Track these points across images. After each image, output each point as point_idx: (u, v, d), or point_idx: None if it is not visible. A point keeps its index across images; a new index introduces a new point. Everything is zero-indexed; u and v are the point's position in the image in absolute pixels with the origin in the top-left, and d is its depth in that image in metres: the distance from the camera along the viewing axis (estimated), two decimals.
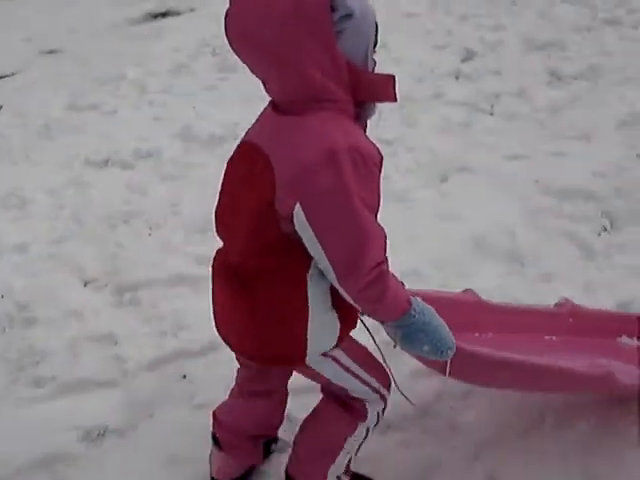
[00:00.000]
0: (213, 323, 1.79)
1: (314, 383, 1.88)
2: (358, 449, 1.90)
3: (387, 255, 1.50)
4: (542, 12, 5.14)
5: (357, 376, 1.75)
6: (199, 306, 2.77)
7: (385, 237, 1.50)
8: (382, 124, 3.89)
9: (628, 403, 2.26)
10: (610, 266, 2.93)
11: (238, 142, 1.62)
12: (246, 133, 1.62)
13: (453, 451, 2.16)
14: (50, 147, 4.10)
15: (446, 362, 1.61)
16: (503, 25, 5.05)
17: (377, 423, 1.87)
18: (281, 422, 2.10)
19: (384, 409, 1.85)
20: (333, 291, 1.54)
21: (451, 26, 5.17)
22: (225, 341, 1.76)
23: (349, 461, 1.91)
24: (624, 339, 2.34)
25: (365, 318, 1.69)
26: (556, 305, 2.36)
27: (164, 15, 6.33)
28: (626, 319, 2.41)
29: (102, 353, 2.62)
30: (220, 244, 1.70)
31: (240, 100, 4.44)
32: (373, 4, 1.45)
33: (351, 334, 1.71)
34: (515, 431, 2.26)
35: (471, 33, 4.98)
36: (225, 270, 1.63)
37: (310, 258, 1.49)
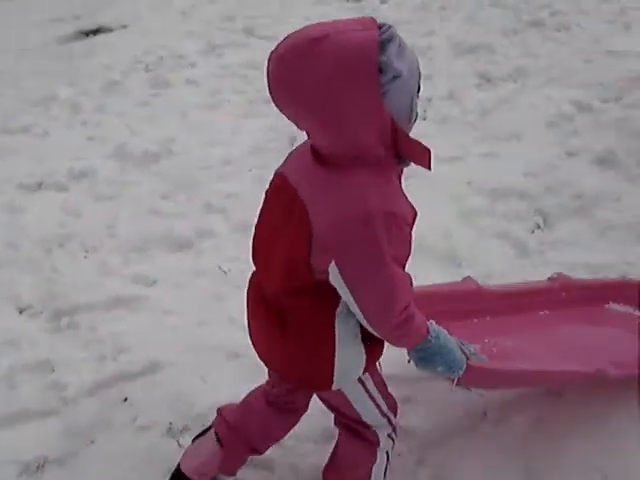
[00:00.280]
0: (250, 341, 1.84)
1: None
2: (385, 475, 1.98)
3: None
4: (470, 17, 5.23)
5: (374, 400, 1.83)
6: (138, 327, 2.78)
7: (411, 281, 1.56)
8: None
9: (566, 395, 2.32)
10: (544, 263, 2.99)
11: (280, 170, 1.62)
12: (285, 162, 1.64)
13: (397, 458, 2.16)
14: None
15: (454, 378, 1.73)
16: (433, 30, 5.12)
17: (393, 446, 1.96)
18: (276, 442, 2.11)
19: (395, 431, 1.94)
20: (361, 326, 1.60)
21: None
22: (260, 358, 1.82)
23: None
24: (612, 305, 2.50)
25: None
26: (549, 279, 2.51)
27: (95, 32, 6.24)
28: (613, 286, 2.57)
29: (40, 381, 2.56)
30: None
31: (174, 115, 4.43)
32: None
33: None
34: (458, 432, 2.30)
35: (406, 39, 5.02)
36: (260, 295, 1.70)
37: (339, 298, 1.55)
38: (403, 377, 2.44)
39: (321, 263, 1.47)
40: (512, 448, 2.22)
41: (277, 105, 1.44)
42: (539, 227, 3.21)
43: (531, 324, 2.39)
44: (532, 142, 3.74)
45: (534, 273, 2.92)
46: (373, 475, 1.96)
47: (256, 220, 1.71)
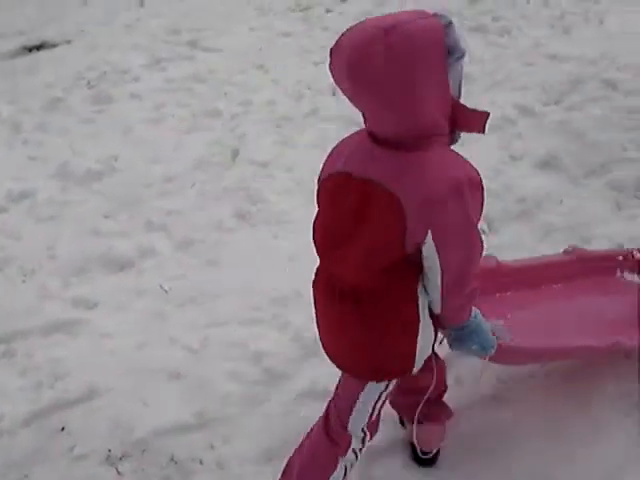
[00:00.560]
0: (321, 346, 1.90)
1: None
2: None
3: None
4: None
5: (373, 409, 1.88)
6: (76, 352, 2.71)
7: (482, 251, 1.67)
8: (258, 145, 3.91)
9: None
10: None
11: (330, 172, 1.68)
12: (332, 164, 1.69)
13: None
14: None
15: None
16: None
17: (353, 464, 1.97)
18: None
19: (360, 452, 1.96)
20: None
21: (327, 42, 5.16)
22: (332, 360, 1.87)
23: None
24: (625, 274, 2.61)
25: None
26: (564, 252, 2.59)
27: (39, 48, 6.14)
28: (625, 256, 2.63)
29: None
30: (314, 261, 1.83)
31: (117, 132, 4.36)
32: None
33: None
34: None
35: None
36: (333, 291, 1.73)
37: (419, 274, 1.64)
38: None
39: (418, 236, 1.55)
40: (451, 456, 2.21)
41: (348, 93, 1.52)
42: (484, 232, 3.18)
43: (550, 296, 2.49)
44: (476, 147, 3.69)
45: None
46: None
47: (316, 222, 1.77)
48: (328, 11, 5.82)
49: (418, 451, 2.17)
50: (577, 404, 2.36)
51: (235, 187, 3.57)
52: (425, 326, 1.71)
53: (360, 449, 1.95)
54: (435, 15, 1.48)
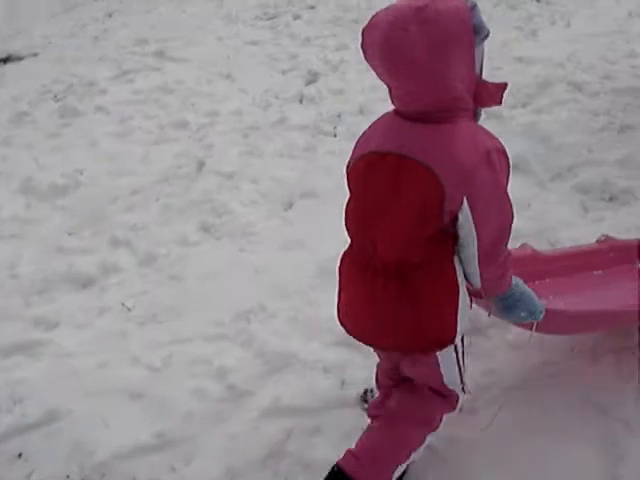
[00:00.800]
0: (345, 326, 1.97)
1: None
2: (415, 454, 1.99)
3: None
4: None
5: (459, 367, 1.94)
6: (36, 374, 2.65)
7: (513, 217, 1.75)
8: (224, 156, 3.87)
9: None
10: None
11: (361, 153, 1.76)
12: (362, 147, 1.78)
13: None
14: None
15: (533, 323, 1.91)
16: (346, 44, 5.10)
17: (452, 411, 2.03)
18: None
19: (458, 400, 2.02)
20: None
21: (296, 50, 5.18)
22: (364, 341, 1.93)
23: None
24: None
25: None
26: (597, 241, 2.67)
27: (5, 61, 6.08)
28: None
29: None
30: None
31: (84, 145, 4.31)
32: None
33: None
34: None
35: (315, 55, 5.00)
36: (373, 269, 1.77)
37: (454, 245, 1.72)
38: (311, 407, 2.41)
39: (455, 204, 1.62)
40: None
41: (381, 70, 1.60)
42: None
43: (587, 283, 2.54)
44: None
45: None
46: (414, 453, 1.97)
47: (349, 206, 1.83)
48: (296, 18, 5.80)
49: None
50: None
51: (200, 199, 3.53)
52: (462, 295, 1.78)
53: (457, 399, 2.01)
54: None
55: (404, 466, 1.98)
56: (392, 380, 2.11)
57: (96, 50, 5.85)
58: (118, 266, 3.17)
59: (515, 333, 2.52)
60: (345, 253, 1.91)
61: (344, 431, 2.36)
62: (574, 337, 2.53)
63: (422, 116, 1.62)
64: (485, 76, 4.49)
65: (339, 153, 3.82)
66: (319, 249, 3.12)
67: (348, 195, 1.84)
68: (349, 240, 1.88)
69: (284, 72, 4.86)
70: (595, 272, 2.60)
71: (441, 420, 2.01)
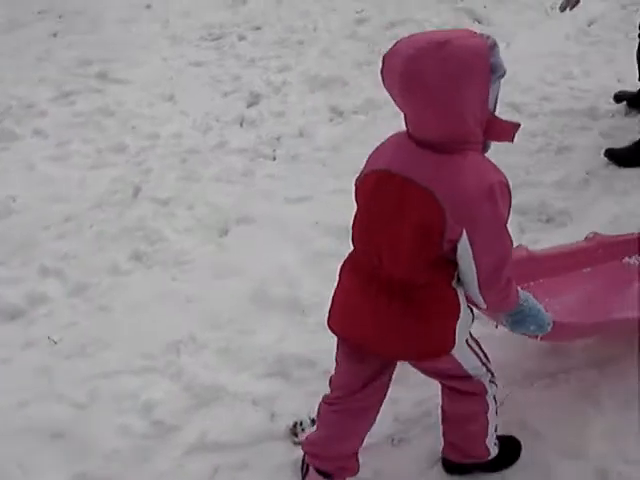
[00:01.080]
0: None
1: None
2: (496, 413, 2.14)
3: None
4: (326, 50, 5.20)
5: (476, 354, 2.03)
6: None
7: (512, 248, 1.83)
8: (161, 182, 3.79)
9: None
10: None
11: (373, 168, 1.83)
12: (373, 162, 1.86)
13: None
14: None
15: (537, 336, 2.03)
16: (289, 66, 5.06)
17: (496, 389, 2.14)
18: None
19: (494, 376, 2.12)
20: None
21: (239, 71, 5.13)
22: (359, 344, 1.98)
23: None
24: (631, 260, 2.79)
25: None
26: (586, 239, 2.78)
27: None
28: (634, 239, 2.83)
29: None
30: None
31: (20, 170, 4.19)
32: None
33: None
34: None
35: (258, 76, 4.96)
36: (378, 281, 1.85)
37: (455, 270, 1.81)
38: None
39: (455, 234, 1.70)
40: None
41: (398, 98, 1.68)
42: None
43: (579, 281, 2.66)
44: None
45: None
46: (490, 421, 2.12)
47: (356, 220, 1.92)
48: (241, 39, 5.74)
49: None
50: None
51: (134, 226, 3.44)
52: (463, 311, 1.88)
53: (492, 376, 2.11)
54: (482, 35, 1.68)
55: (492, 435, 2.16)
56: (360, 380, 2.09)
57: (38, 71, 5.71)
58: (47, 296, 3.08)
59: None
60: (347, 258, 1.99)
61: (273, 465, 2.33)
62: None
63: (433, 145, 1.70)
64: None
65: (278, 177, 3.80)
66: (253, 276, 3.07)
67: (356, 207, 1.93)
68: (352, 246, 1.96)
69: (226, 94, 4.80)
70: (585, 270, 2.72)
71: (487, 405, 2.11)
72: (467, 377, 2.06)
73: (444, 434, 2.22)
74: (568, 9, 3.62)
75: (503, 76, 1.71)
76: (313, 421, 2.47)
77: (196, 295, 3.00)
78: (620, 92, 4.15)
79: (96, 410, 2.53)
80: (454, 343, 1.90)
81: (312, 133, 4.14)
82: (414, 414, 2.46)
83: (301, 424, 2.47)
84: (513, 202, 3.24)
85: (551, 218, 3.41)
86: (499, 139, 1.77)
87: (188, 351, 2.74)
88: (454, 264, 1.80)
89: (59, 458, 2.35)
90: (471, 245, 1.71)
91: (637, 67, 3.92)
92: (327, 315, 2.06)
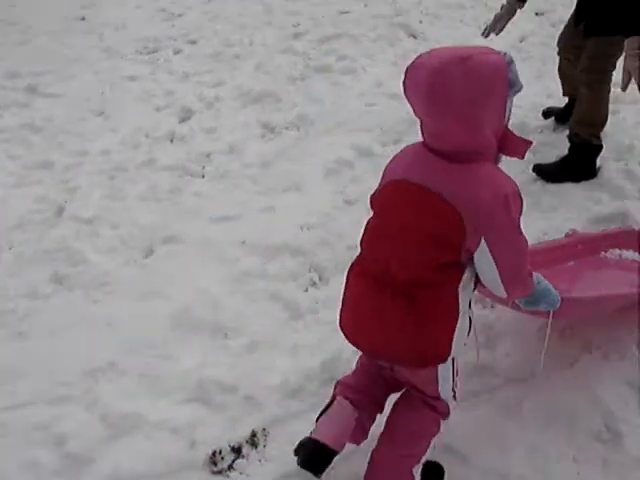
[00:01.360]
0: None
1: None
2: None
3: None
4: (260, 64, 5.16)
5: (454, 378, 2.09)
6: None
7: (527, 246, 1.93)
8: (86, 200, 3.68)
9: None
10: (317, 322, 2.88)
11: (391, 179, 1.92)
12: (391, 173, 1.95)
13: None
14: None
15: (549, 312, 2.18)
16: (223, 81, 5.00)
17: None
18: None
19: (453, 408, 2.15)
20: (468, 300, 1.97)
21: (173, 86, 5.05)
22: (368, 351, 2.08)
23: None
24: (614, 251, 2.96)
25: None
26: (566, 236, 2.98)
27: None
28: (615, 235, 3.02)
29: None
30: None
31: None
32: None
33: None
34: None
35: (192, 91, 4.88)
36: (384, 283, 1.91)
37: (462, 274, 1.88)
38: None
39: (474, 242, 1.80)
40: None
41: (419, 108, 1.77)
42: (314, 284, 3.10)
43: (565, 272, 2.78)
44: (311, 192, 3.65)
45: (305, 336, 2.82)
46: (429, 448, 2.12)
47: (370, 222, 2.00)
48: (176, 52, 5.66)
49: None
50: None
51: (55, 248, 3.33)
52: (462, 317, 1.93)
53: (454, 407, 2.15)
54: (499, 52, 1.78)
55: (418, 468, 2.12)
56: (371, 379, 2.21)
57: None
58: None
59: None
60: (354, 263, 2.05)
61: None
62: None
63: (449, 154, 1.78)
64: (359, 112, 4.51)
65: (206, 195, 3.72)
66: (177, 298, 3.00)
67: (371, 214, 2.01)
68: (360, 251, 2.03)
69: (159, 109, 4.71)
70: (568, 263, 2.86)
71: (438, 428, 2.13)
72: (436, 397, 2.10)
73: (374, 455, 2.13)
74: (493, 34, 3.64)
75: (519, 91, 1.81)
76: (233, 449, 2.42)
77: (117, 319, 2.91)
78: (548, 108, 4.19)
79: (4, 445, 2.41)
80: (450, 350, 1.95)
81: (242, 149, 4.08)
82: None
83: (220, 452, 2.40)
84: None
85: None
86: (511, 154, 1.89)
87: (107, 378, 2.65)
88: (462, 268, 1.88)
89: None
90: (491, 251, 1.82)
91: (560, 83, 3.97)
92: (338, 318, 2.11)
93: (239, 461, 2.37)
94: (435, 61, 1.71)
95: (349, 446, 2.16)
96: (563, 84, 3.95)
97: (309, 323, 2.90)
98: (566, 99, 4.03)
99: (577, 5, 3.52)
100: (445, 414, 2.14)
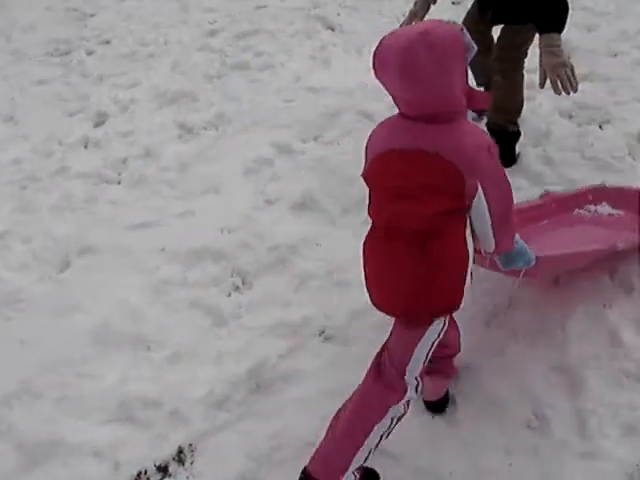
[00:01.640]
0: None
1: None
2: (378, 443, 2.09)
3: None
4: (177, 64, 5.02)
5: (428, 354, 2.11)
6: None
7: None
8: None
9: None
10: (241, 328, 2.82)
11: (378, 152, 2.01)
12: (374, 147, 2.04)
13: None
14: None
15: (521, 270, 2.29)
16: (139, 81, 4.85)
17: (402, 416, 2.13)
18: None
19: (409, 402, 2.12)
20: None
21: (86, 89, 4.88)
22: (392, 311, 2.11)
23: (365, 459, 2.11)
24: (582, 211, 3.10)
25: None
26: (541, 197, 3.12)
27: None
28: (586, 193, 3.14)
29: None
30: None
31: None
32: None
33: None
34: None
35: (106, 94, 4.72)
36: (396, 237, 2.00)
37: (466, 220, 2.01)
38: None
39: (472, 188, 1.93)
40: None
41: (394, 83, 1.91)
42: (237, 288, 3.02)
43: (540, 230, 2.91)
44: (230, 194, 3.56)
45: (230, 343, 2.75)
46: (371, 437, 2.07)
47: (372, 194, 2.08)
48: (89, 54, 5.48)
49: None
50: None
51: None
52: (469, 266, 2.05)
53: (408, 401, 2.11)
54: (448, 22, 1.96)
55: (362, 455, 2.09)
56: None
57: None
58: None
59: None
60: (367, 236, 2.13)
61: None
62: None
63: (429, 118, 1.92)
64: (277, 109, 4.41)
65: (122, 202, 3.60)
66: (95, 312, 2.89)
67: (368, 190, 2.08)
68: (370, 222, 2.11)
69: (71, 114, 4.54)
70: (543, 222, 3.00)
71: (386, 412, 2.09)
72: (401, 372, 2.09)
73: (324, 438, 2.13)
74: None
75: (474, 53, 1.96)
76: (159, 468, 2.35)
77: (31, 338, 2.78)
78: None
79: None
80: (461, 299, 2.05)
81: (159, 152, 3.95)
82: (265, 449, 2.35)
83: (146, 472, 2.32)
84: (365, 214, 3.34)
85: None
86: (479, 106, 2.10)
87: (21, 403, 2.52)
88: (466, 215, 2.01)
89: None
90: (485, 195, 1.95)
91: (472, 74, 3.98)
92: (367, 295, 2.15)
93: None
94: (401, 40, 1.87)
95: None
96: (474, 74, 3.96)
97: (233, 329, 2.83)
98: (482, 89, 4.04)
99: None
100: (397, 399, 2.09)
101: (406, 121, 1.98)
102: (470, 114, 4.14)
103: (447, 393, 2.49)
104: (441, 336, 2.11)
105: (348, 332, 2.77)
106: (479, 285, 2.53)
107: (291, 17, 5.67)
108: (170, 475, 2.32)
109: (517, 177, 3.53)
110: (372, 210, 2.10)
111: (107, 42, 5.70)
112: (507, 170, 3.31)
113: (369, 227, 2.11)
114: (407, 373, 2.09)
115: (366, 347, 2.65)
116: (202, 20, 5.80)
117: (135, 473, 2.31)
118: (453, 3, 5.75)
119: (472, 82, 1.78)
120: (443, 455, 2.32)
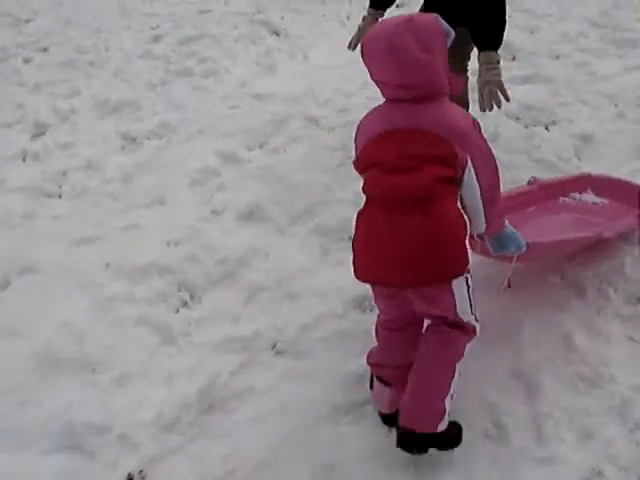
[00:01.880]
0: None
1: None
2: (459, 373, 2.22)
3: None
4: (118, 71, 4.91)
5: (470, 298, 2.21)
6: None
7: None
8: None
9: None
10: (191, 345, 2.73)
11: (370, 137, 2.16)
12: (366, 133, 2.19)
13: None
14: None
15: (514, 255, 2.38)
16: (78, 90, 4.73)
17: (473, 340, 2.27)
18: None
19: (476, 329, 2.27)
20: None
21: (23, 98, 4.72)
22: (389, 282, 2.17)
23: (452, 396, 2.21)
24: (567, 199, 3.19)
25: None
26: (528, 183, 3.19)
27: None
28: (570, 181, 3.25)
29: None
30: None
31: None
32: None
33: None
34: None
35: (44, 104, 4.57)
36: (396, 207, 2.07)
37: (459, 191, 2.14)
38: None
39: (462, 159, 2.07)
40: None
41: (383, 69, 2.10)
42: (186, 304, 2.94)
43: (527, 217, 2.98)
44: (176, 205, 3.47)
45: (180, 361, 2.66)
46: (455, 376, 2.20)
47: (369, 173, 2.16)
48: (26, 62, 5.32)
49: None
50: None
51: None
52: (467, 231, 2.14)
53: (476, 328, 2.27)
54: (424, 12, 2.23)
55: (450, 396, 2.19)
56: (397, 324, 2.34)
57: None
58: None
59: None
60: (363, 208, 2.20)
61: None
62: None
63: (416, 99, 2.09)
64: (222, 116, 4.32)
65: (63, 217, 3.47)
66: (37, 335, 2.74)
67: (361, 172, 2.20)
68: (365, 196, 2.19)
69: (8, 125, 4.39)
70: (530, 208, 3.08)
71: (464, 349, 2.24)
72: (458, 319, 2.22)
73: (404, 398, 2.18)
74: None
75: (451, 37, 2.16)
76: None
77: None
78: None
79: None
80: (468, 260, 2.12)
81: (102, 164, 3.84)
82: (219, 473, 2.27)
83: None
84: (314, 222, 3.46)
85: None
86: (454, 91, 2.19)
87: None
88: (458, 188, 2.13)
89: None
90: (474, 166, 2.09)
91: None
92: (352, 267, 2.21)
93: None
94: (389, 28, 2.07)
95: None
96: None
97: (183, 347, 2.74)
98: None
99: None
100: (470, 335, 2.25)
101: (395, 104, 2.15)
102: None
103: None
104: (470, 285, 2.20)
105: (299, 346, 2.71)
106: None
107: (235, 22, 5.62)
108: None
109: None
110: (368, 184, 2.19)
111: (44, 49, 5.55)
112: None
113: (363, 206, 2.19)
114: (461, 316, 2.21)
115: (318, 360, 2.64)
116: (144, 25, 5.70)
117: None
118: (397, 6, 5.75)
119: None
120: (397, 472, 2.25)
